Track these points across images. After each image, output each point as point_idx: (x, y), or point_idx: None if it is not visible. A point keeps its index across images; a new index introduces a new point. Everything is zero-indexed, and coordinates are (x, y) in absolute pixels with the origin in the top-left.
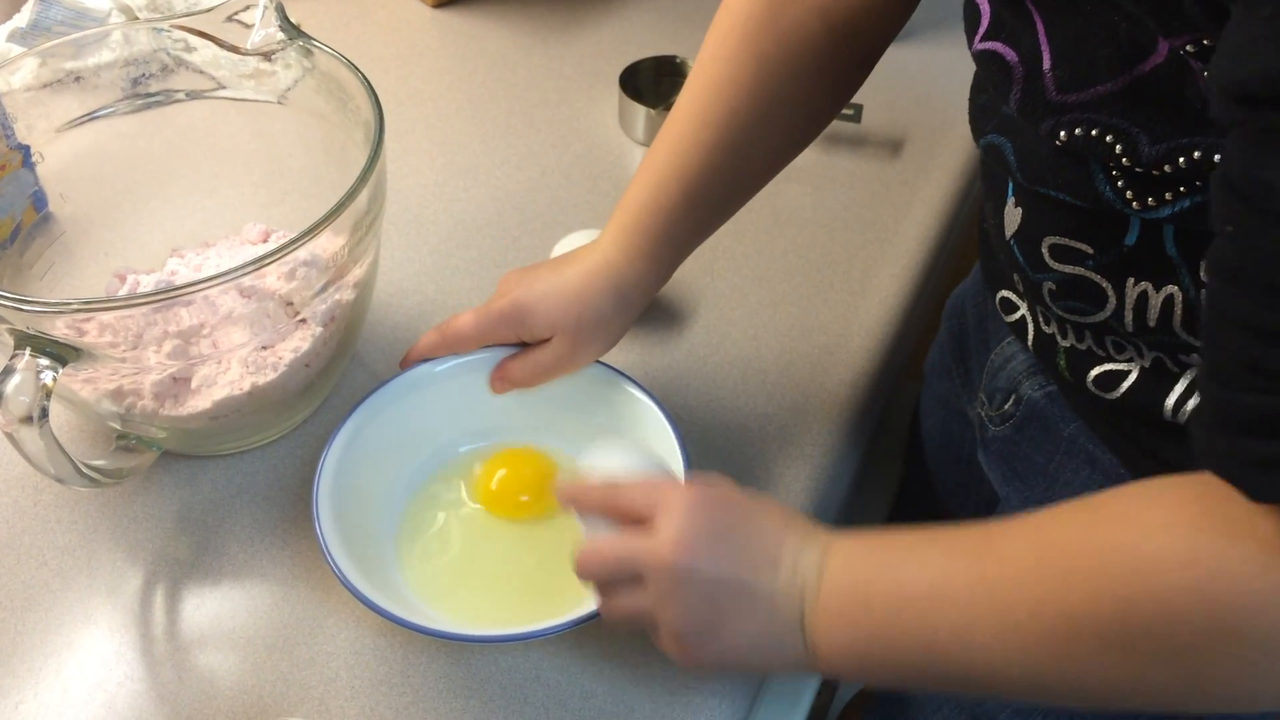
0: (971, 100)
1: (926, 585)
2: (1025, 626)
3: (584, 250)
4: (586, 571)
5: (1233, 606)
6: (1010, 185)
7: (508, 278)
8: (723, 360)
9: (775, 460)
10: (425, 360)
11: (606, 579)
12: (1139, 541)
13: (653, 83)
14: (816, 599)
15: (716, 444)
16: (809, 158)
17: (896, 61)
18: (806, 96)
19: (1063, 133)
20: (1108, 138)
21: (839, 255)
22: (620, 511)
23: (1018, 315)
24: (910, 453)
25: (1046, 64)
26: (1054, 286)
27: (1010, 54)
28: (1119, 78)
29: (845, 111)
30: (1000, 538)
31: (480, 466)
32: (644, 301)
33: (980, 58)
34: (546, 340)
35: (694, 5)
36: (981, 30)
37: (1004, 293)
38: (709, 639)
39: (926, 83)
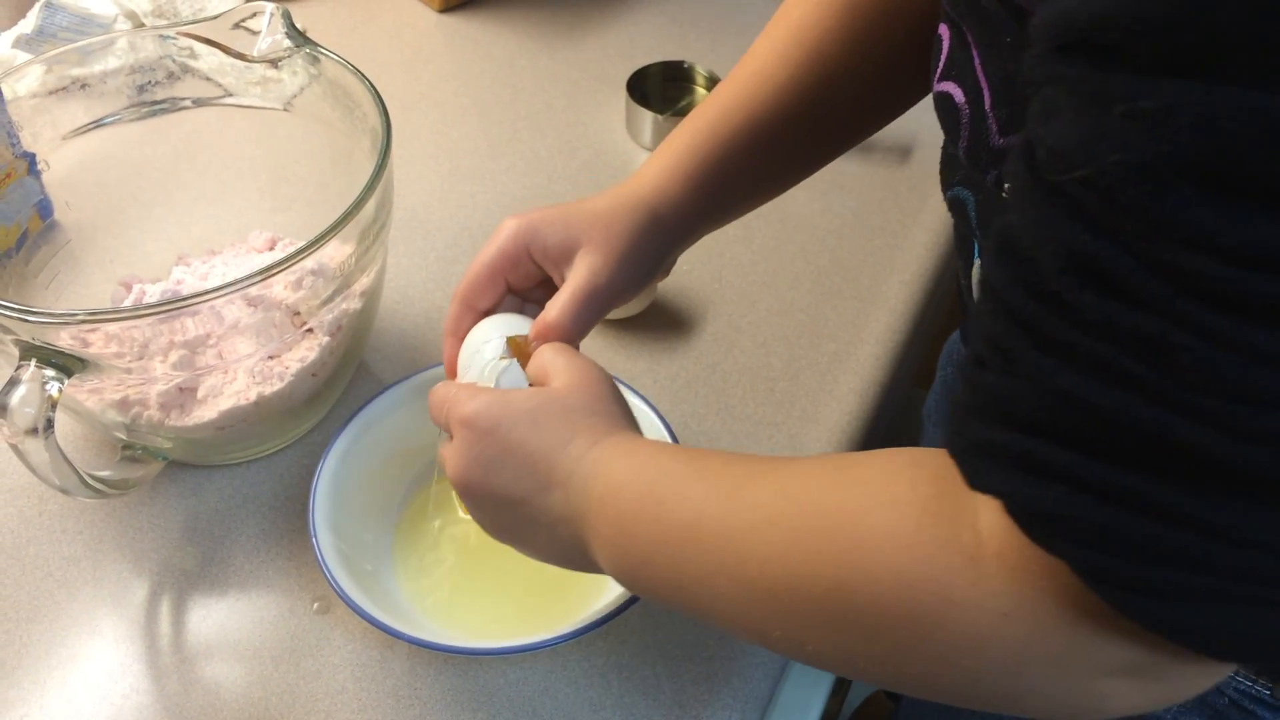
0: (943, 150)
1: (680, 524)
2: (756, 581)
3: (618, 185)
4: (431, 407)
5: (932, 599)
6: (975, 245)
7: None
8: (731, 368)
9: None
10: (458, 333)
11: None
12: (867, 513)
13: (660, 88)
14: (589, 524)
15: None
16: None
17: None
18: (896, 62)
19: (1006, 183)
20: None
21: (848, 262)
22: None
23: None
24: None
25: (988, 103)
26: None
27: (959, 94)
28: None
29: None
30: (753, 483)
31: None
32: (682, 235)
33: (937, 100)
34: (564, 274)
35: (701, 11)
36: (940, 68)
37: None
38: (520, 543)
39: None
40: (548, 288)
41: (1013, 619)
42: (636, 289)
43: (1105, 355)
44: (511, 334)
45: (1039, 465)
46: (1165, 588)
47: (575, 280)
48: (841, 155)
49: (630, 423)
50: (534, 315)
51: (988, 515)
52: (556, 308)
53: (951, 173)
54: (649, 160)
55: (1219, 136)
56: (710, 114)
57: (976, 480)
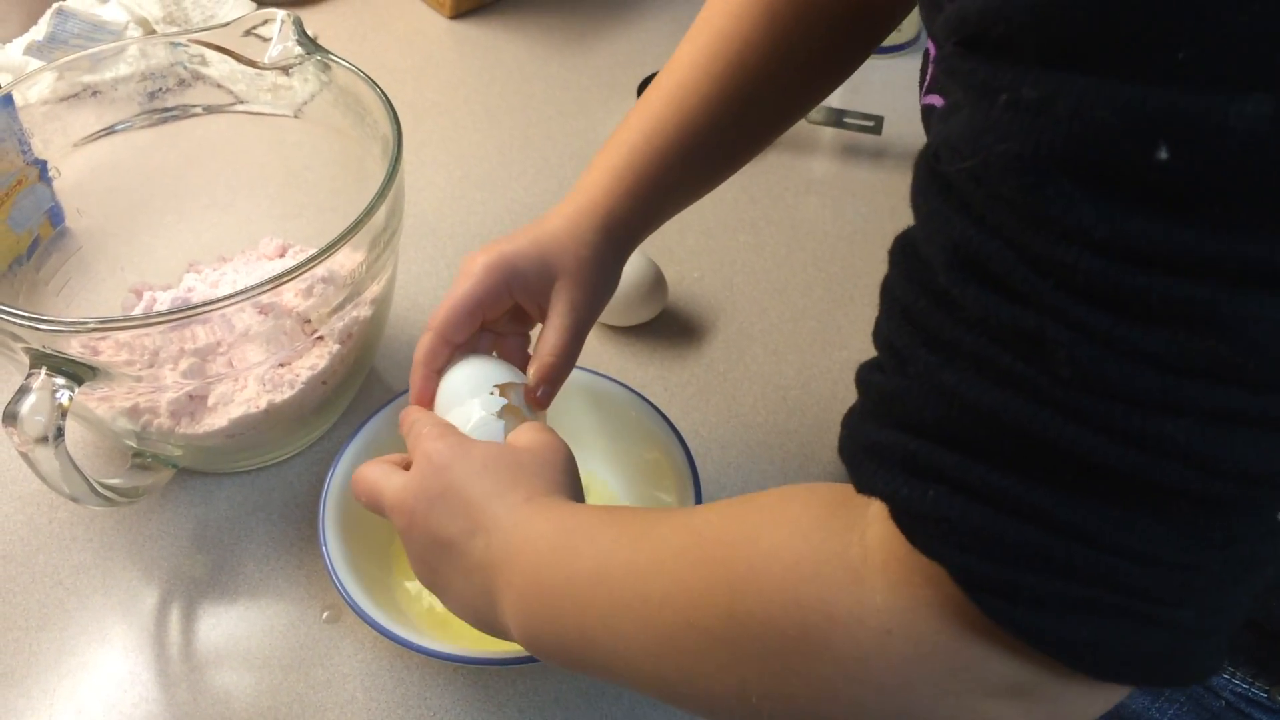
0: None
1: (589, 567)
2: (656, 615)
3: (561, 203)
4: (354, 484)
5: (817, 616)
6: None
7: (467, 258)
8: (742, 376)
9: (796, 478)
10: (431, 365)
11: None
12: (759, 535)
13: None
14: (502, 575)
15: (736, 461)
16: (829, 169)
17: (916, 73)
18: (815, 63)
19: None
20: None
21: (860, 268)
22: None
23: None
24: None
25: None
26: None
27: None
28: None
29: (865, 123)
30: (662, 523)
31: None
32: (630, 246)
33: (924, 113)
34: (541, 306)
35: None
36: (926, 82)
37: None
38: (437, 588)
39: None
40: (514, 315)
41: (896, 635)
42: (605, 305)
43: (986, 352)
44: (493, 382)
45: (920, 465)
46: (1042, 596)
47: (560, 318)
48: (769, 147)
49: (574, 488)
50: (501, 346)
51: (876, 528)
52: (551, 347)
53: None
54: (590, 175)
55: (1095, 128)
56: (645, 127)
57: (863, 483)
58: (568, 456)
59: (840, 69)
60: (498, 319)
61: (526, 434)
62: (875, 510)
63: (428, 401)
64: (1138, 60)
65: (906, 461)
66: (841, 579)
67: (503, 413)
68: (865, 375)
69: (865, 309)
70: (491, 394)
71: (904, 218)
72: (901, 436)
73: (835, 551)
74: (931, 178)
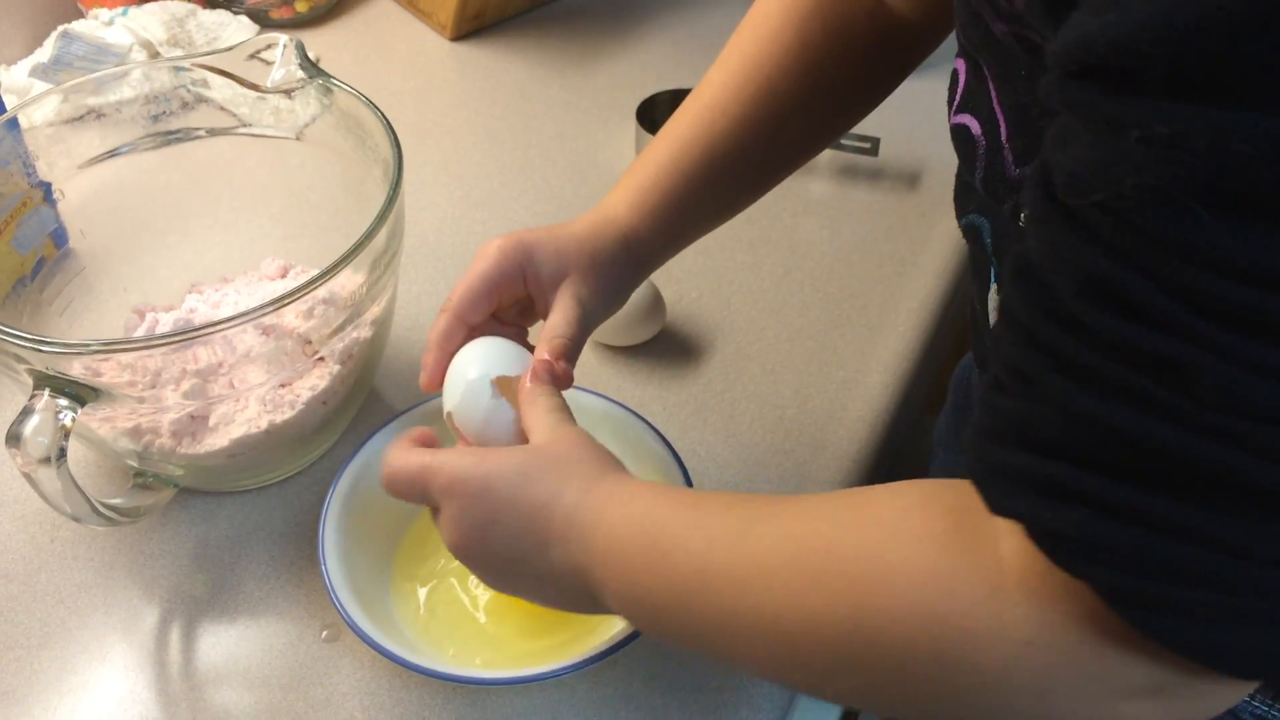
0: (957, 177)
1: (687, 576)
2: (772, 628)
3: (590, 212)
4: (389, 483)
5: (955, 633)
6: (992, 270)
7: (486, 243)
8: (739, 395)
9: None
10: (445, 347)
11: (405, 496)
12: (883, 551)
13: (670, 115)
14: (596, 578)
15: (734, 481)
16: (826, 190)
17: (913, 94)
18: (846, 90)
19: (1023, 212)
20: None
21: (856, 289)
22: (409, 500)
23: None
24: None
25: (1004, 134)
26: None
27: (975, 126)
28: None
29: (862, 144)
30: (758, 527)
31: None
32: (650, 267)
33: (954, 132)
34: (549, 299)
35: (711, 38)
36: (957, 100)
37: None
38: (527, 595)
39: (943, 116)
40: (520, 310)
41: (1037, 646)
42: (609, 315)
43: (1125, 378)
44: (502, 361)
45: (1060, 488)
46: (1187, 607)
47: (568, 308)
48: (792, 174)
49: (616, 464)
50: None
51: (1008, 542)
52: (558, 327)
53: (966, 200)
54: (616, 192)
55: (1232, 160)
56: (673, 148)
57: (997, 504)
58: (586, 434)
59: (871, 96)
60: (509, 306)
61: (541, 428)
62: (1004, 524)
63: (438, 384)
64: (1272, 93)
65: (1043, 484)
66: (978, 595)
67: (497, 393)
68: (988, 396)
69: (862, 329)
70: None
71: (900, 238)
72: (1034, 459)
73: (967, 568)
74: (1050, 205)
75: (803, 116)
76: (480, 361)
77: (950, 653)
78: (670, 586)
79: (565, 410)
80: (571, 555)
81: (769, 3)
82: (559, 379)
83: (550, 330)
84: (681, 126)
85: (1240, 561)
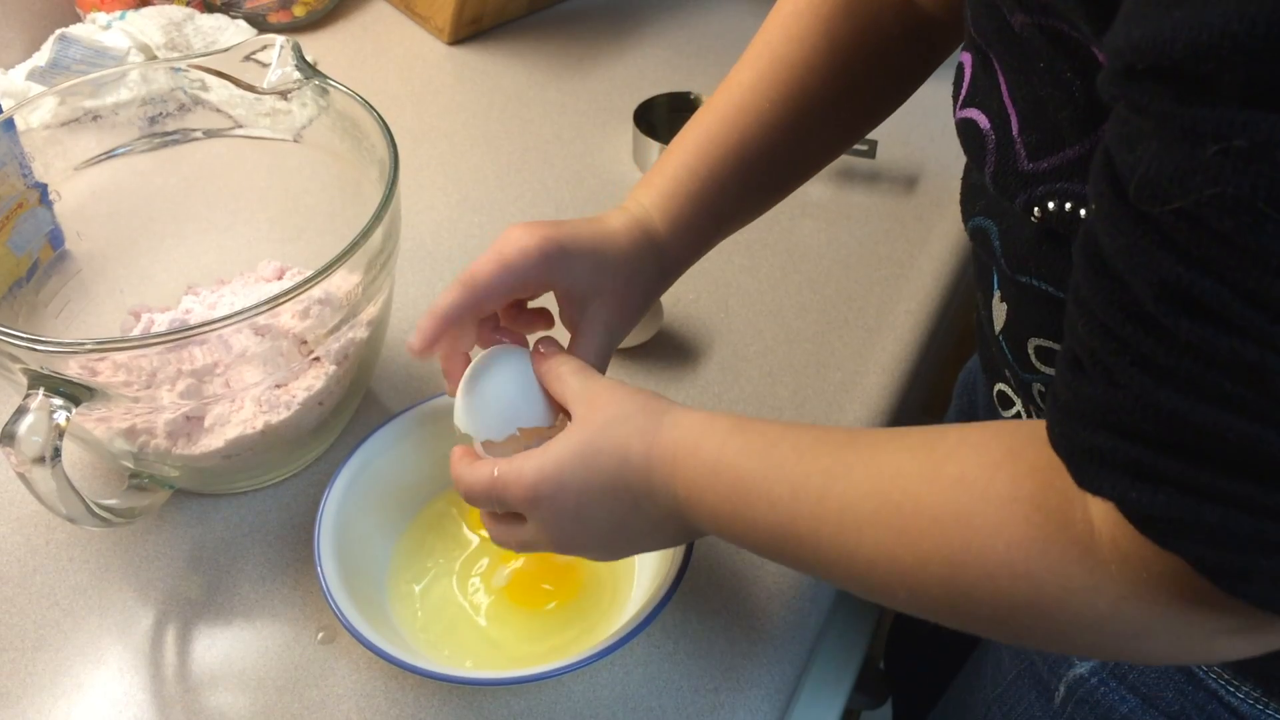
0: (963, 179)
1: (775, 529)
2: (868, 575)
3: (619, 210)
4: (467, 497)
5: (1052, 588)
6: (995, 277)
7: (514, 227)
8: (738, 397)
9: None
10: (448, 319)
11: (484, 507)
12: (974, 512)
13: (667, 119)
14: (690, 515)
15: None
16: (824, 193)
17: (911, 97)
18: (874, 89)
19: (1036, 208)
20: (1081, 211)
21: (854, 291)
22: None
23: (1013, 412)
24: None
25: (1015, 128)
26: (1043, 389)
27: (984, 120)
28: (1084, 141)
29: (860, 147)
30: (843, 478)
31: (493, 549)
32: (674, 277)
33: (960, 127)
34: (575, 303)
35: (707, 42)
36: (962, 95)
37: (1000, 386)
38: (639, 551)
39: (941, 118)
40: (525, 314)
41: (1131, 600)
42: (632, 327)
43: (1206, 378)
44: (529, 411)
45: (1148, 470)
46: (1275, 574)
47: (593, 339)
48: (817, 173)
49: (658, 402)
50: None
51: (1097, 506)
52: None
53: (973, 202)
54: (651, 193)
55: None
56: (703, 149)
57: (1087, 482)
58: (620, 385)
59: (898, 94)
60: (520, 305)
61: (578, 398)
62: (1087, 502)
63: (429, 344)
64: None
65: (1131, 466)
66: (1073, 554)
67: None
68: (1067, 375)
69: (860, 331)
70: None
71: (898, 241)
72: (1121, 442)
73: (1058, 529)
74: (1122, 205)
75: (832, 116)
76: (505, 406)
77: (1046, 604)
78: (759, 533)
79: (586, 368)
80: (662, 505)
81: (797, 1)
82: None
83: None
84: (712, 126)
85: None
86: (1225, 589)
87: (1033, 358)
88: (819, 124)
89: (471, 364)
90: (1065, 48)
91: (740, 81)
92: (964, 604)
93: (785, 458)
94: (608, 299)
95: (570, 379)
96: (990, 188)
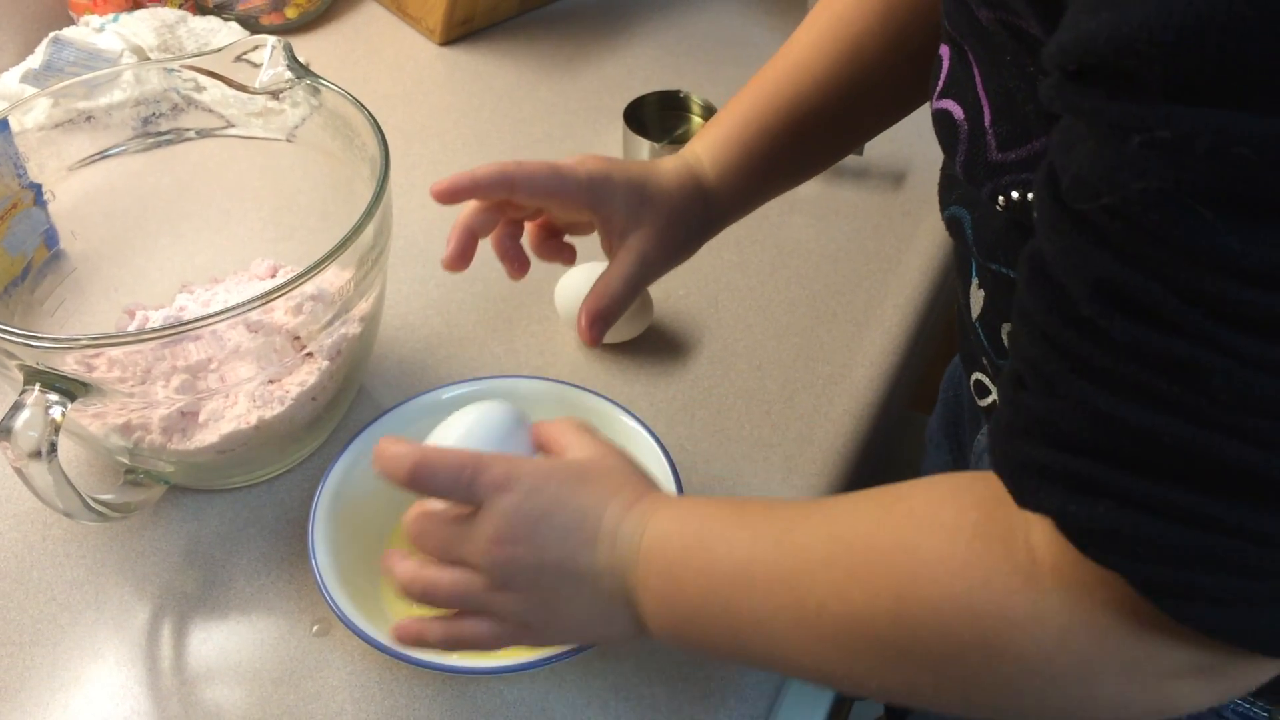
0: (942, 170)
1: (731, 570)
2: (815, 621)
3: (674, 156)
4: (420, 546)
5: (995, 620)
6: (974, 264)
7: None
8: (727, 391)
9: (781, 490)
10: (477, 181)
11: (436, 558)
12: (919, 543)
13: (657, 117)
14: (636, 576)
15: (722, 474)
16: (813, 189)
17: None
18: (928, 56)
19: (1000, 196)
20: None
21: (842, 286)
22: (437, 494)
23: (990, 400)
24: None
25: (988, 119)
26: None
27: (959, 111)
28: (1050, 134)
29: None
30: (801, 525)
31: None
32: (720, 226)
33: (935, 117)
34: (612, 229)
35: (697, 41)
36: (939, 86)
37: (977, 374)
38: (546, 620)
39: (928, 115)
40: (552, 233)
41: (1075, 632)
42: (669, 270)
43: (1141, 379)
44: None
45: (1086, 483)
46: (1219, 594)
47: (626, 266)
48: (867, 142)
49: (649, 478)
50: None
51: (1038, 531)
52: (609, 291)
53: (949, 192)
54: (704, 143)
55: (1235, 163)
56: (758, 105)
57: (1026, 499)
58: (628, 457)
59: None
60: (553, 230)
61: (582, 445)
62: (1033, 515)
63: (449, 192)
64: (1273, 95)
65: (1070, 480)
66: (1014, 583)
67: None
68: (1010, 392)
69: (848, 325)
70: None
71: (886, 236)
72: (1060, 455)
73: (1000, 557)
74: (1059, 209)
75: (886, 81)
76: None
77: (992, 640)
78: (711, 581)
79: (591, 429)
80: (615, 553)
81: None
82: (586, 339)
83: (604, 286)
84: (769, 82)
85: (1264, 547)
86: (1168, 611)
87: (1007, 343)
88: (873, 88)
89: (458, 411)
90: (1026, 42)
91: (800, 40)
92: (908, 649)
93: (752, 513)
94: (647, 232)
95: (573, 428)
96: (960, 176)
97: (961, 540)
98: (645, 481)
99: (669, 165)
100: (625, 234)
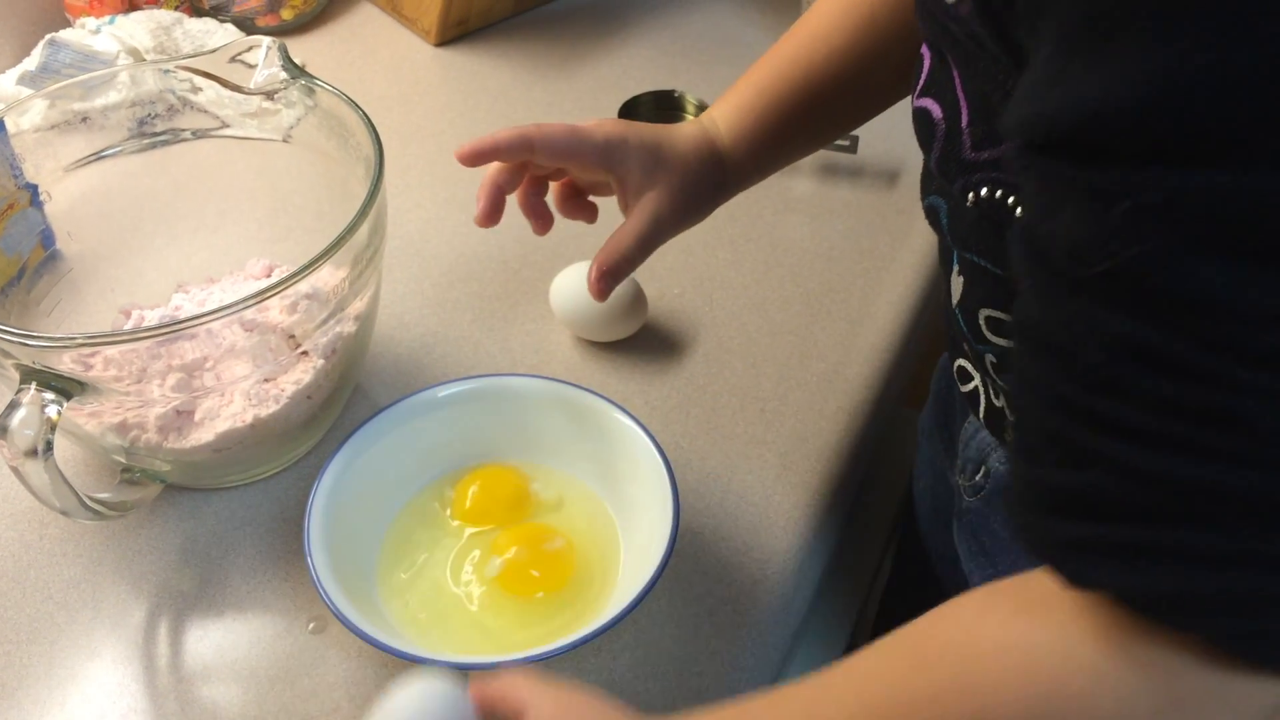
0: (924, 162)
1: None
2: None
3: (692, 121)
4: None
5: (1054, 689)
6: (954, 252)
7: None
8: (722, 389)
9: (774, 487)
10: (498, 144)
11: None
12: (959, 635)
13: (652, 117)
14: None
15: (716, 471)
16: (807, 187)
17: None
18: None
19: (970, 193)
20: (1010, 199)
21: (837, 284)
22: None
23: (972, 386)
24: (905, 511)
25: (965, 120)
26: (994, 359)
27: (937, 110)
28: None
29: (842, 142)
30: (822, 698)
31: (483, 540)
32: (735, 190)
33: (914, 115)
34: (627, 189)
35: (691, 41)
36: (920, 85)
37: (960, 361)
38: None
39: None
40: (576, 192)
41: (1144, 695)
42: (682, 231)
43: (1179, 432)
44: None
45: (1140, 550)
46: None
47: (641, 224)
48: (882, 111)
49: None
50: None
51: (1076, 600)
52: (619, 247)
53: (929, 183)
54: (722, 108)
55: (1229, 218)
56: (774, 71)
57: (1079, 580)
58: (592, 693)
59: None
60: (576, 189)
61: (544, 704)
62: (1073, 598)
63: (473, 154)
64: (1243, 147)
65: (1121, 549)
66: (1062, 651)
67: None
68: (1025, 471)
69: (842, 323)
70: None
71: (880, 234)
72: (1102, 527)
73: (1042, 628)
74: (1054, 278)
75: (900, 50)
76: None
77: (1052, 710)
78: None
79: (543, 678)
80: None
81: None
82: (593, 292)
83: (616, 242)
84: (785, 52)
85: None
86: (1253, 657)
87: (984, 328)
88: (886, 56)
89: (392, 693)
90: (998, 55)
91: (817, 10)
92: None
93: (758, 705)
94: (661, 193)
95: (522, 683)
96: (934, 172)
97: (1000, 619)
98: (627, 713)
99: (686, 129)
100: (640, 193)
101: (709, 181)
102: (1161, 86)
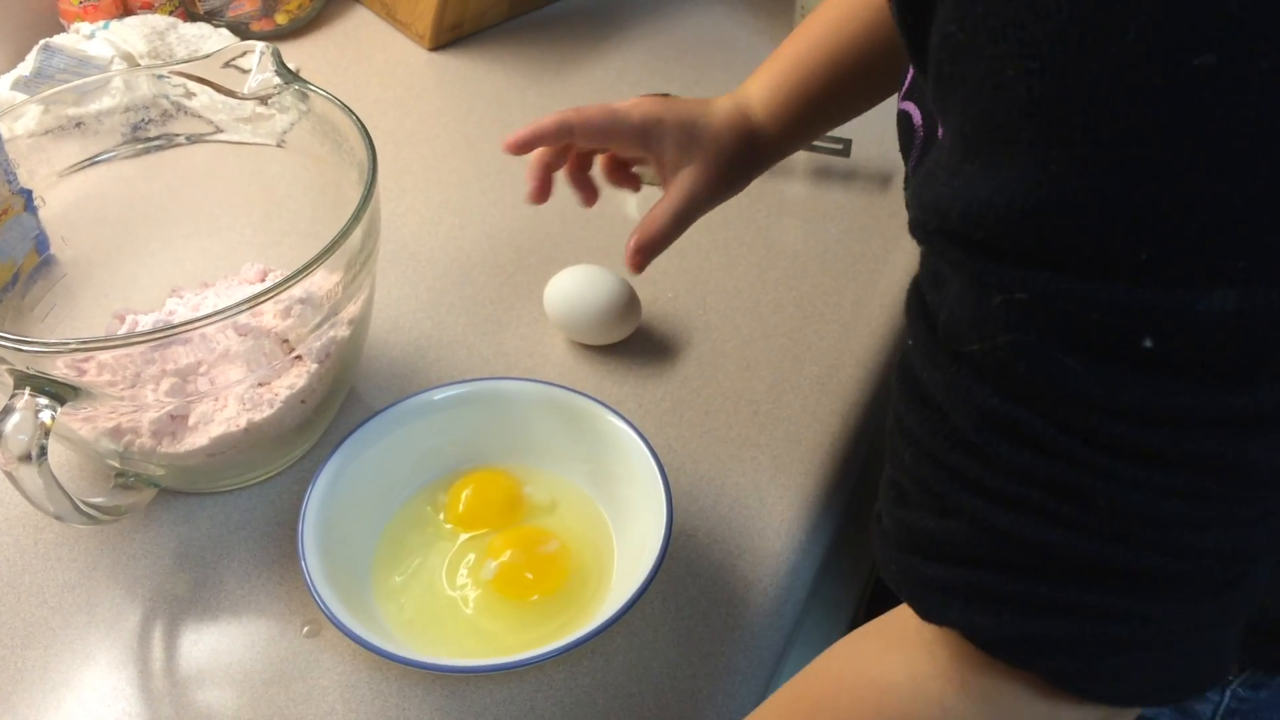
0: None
1: None
2: None
3: (729, 95)
4: None
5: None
6: None
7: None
8: (715, 392)
9: (768, 490)
10: (541, 130)
11: None
12: (844, 669)
13: None
14: None
15: (710, 474)
16: (800, 191)
17: (887, 100)
18: None
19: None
20: None
21: (830, 287)
22: None
23: None
24: None
25: (940, 129)
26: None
27: (917, 115)
28: None
29: (835, 146)
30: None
31: (477, 544)
32: (769, 162)
33: (898, 118)
34: (664, 164)
35: (685, 45)
36: (905, 87)
37: None
38: None
39: None
40: (620, 165)
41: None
42: (720, 201)
43: (1031, 498)
44: None
45: (987, 594)
46: (1118, 671)
47: (677, 200)
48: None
49: None
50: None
51: (931, 633)
52: (656, 223)
53: (909, 183)
54: (758, 80)
55: (1086, 324)
56: (806, 44)
57: (930, 614)
58: None
59: None
60: (621, 162)
61: None
62: (930, 633)
63: (519, 143)
64: (1108, 261)
65: (970, 591)
66: (912, 688)
67: None
68: (896, 511)
69: (835, 326)
70: None
71: (873, 238)
72: (956, 570)
73: (901, 663)
74: (936, 343)
75: None
76: None
77: None
78: None
79: None
80: None
81: None
82: (629, 265)
83: (652, 219)
84: (819, 25)
85: (1151, 624)
86: (1080, 693)
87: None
88: None
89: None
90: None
91: None
92: None
93: None
94: (696, 170)
95: None
96: (911, 178)
97: (868, 651)
98: None
99: (721, 104)
100: (676, 169)
101: (743, 156)
102: (1040, 200)
